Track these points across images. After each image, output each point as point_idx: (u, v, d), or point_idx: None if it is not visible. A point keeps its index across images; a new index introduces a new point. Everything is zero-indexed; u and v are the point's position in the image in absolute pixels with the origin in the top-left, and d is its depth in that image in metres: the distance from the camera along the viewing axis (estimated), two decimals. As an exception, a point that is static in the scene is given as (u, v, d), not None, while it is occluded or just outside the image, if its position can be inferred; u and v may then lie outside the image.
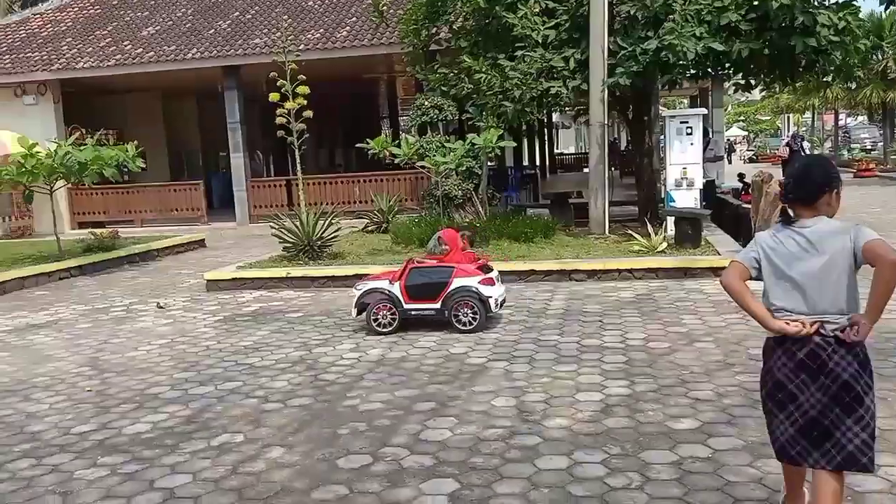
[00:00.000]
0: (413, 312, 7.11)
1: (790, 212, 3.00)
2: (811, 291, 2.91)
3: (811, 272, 2.91)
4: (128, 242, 14.10)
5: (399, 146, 11.82)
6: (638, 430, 4.48)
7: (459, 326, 6.98)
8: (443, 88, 13.22)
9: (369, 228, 14.56)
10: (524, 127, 20.89)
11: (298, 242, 10.87)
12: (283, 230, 11.02)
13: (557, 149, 43.77)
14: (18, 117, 17.99)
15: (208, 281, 10.24)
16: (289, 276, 10.02)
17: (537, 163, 28.69)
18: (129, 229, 17.10)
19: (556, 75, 11.38)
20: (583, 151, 42.93)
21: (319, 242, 10.88)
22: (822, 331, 2.89)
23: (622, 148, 35.79)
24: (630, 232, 10.95)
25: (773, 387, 3.05)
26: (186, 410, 5.28)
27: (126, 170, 13.14)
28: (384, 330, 7.03)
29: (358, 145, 11.68)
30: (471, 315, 6.98)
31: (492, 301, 7.04)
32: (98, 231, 14.12)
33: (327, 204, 13.63)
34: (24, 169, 11.81)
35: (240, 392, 5.62)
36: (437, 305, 7.05)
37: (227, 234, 17.36)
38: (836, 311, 2.90)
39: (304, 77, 10.95)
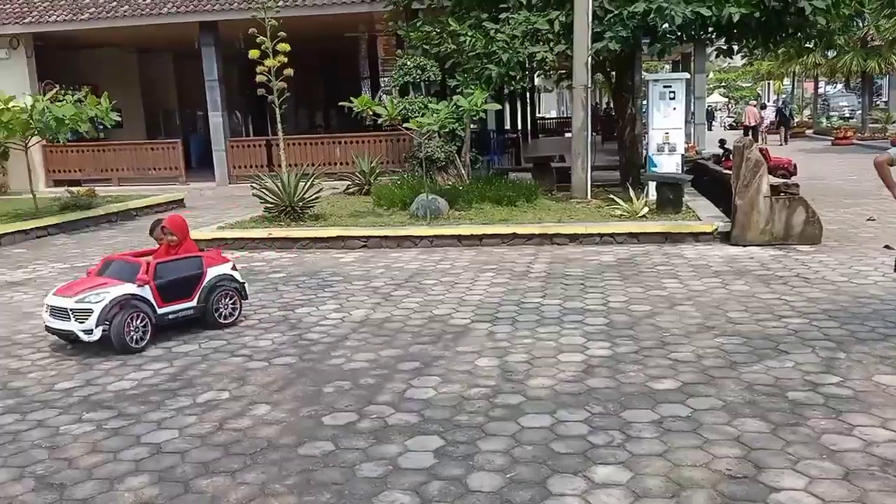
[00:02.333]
0: (170, 317, 5.92)
1: None
2: None
3: None
4: (105, 201, 13.91)
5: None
6: (619, 389, 4.56)
7: (221, 321, 6.17)
8: (425, 47, 13.04)
9: (351, 190, 14.47)
10: (507, 90, 20.74)
11: (280, 203, 10.80)
12: (264, 190, 10.93)
13: (539, 113, 43.61)
14: (-10, 71, 17.57)
15: (188, 241, 10.14)
16: (270, 236, 9.97)
17: (519, 126, 28.55)
18: (105, 188, 16.80)
19: (540, 38, 11.27)
20: (565, 115, 42.80)
21: (301, 204, 10.81)
22: None
23: (602, 112, 35.75)
24: (612, 196, 10.99)
25: None
26: (171, 368, 5.28)
27: (101, 126, 12.91)
28: (137, 346, 5.63)
29: (341, 103, 11.50)
30: (231, 306, 6.26)
31: (246, 286, 6.51)
32: (75, 189, 13.89)
33: (308, 165, 13.50)
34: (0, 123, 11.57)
35: (224, 351, 5.63)
36: (194, 303, 6.05)
37: (207, 193, 17.17)
38: None
39: (283, 34, 10.76)
